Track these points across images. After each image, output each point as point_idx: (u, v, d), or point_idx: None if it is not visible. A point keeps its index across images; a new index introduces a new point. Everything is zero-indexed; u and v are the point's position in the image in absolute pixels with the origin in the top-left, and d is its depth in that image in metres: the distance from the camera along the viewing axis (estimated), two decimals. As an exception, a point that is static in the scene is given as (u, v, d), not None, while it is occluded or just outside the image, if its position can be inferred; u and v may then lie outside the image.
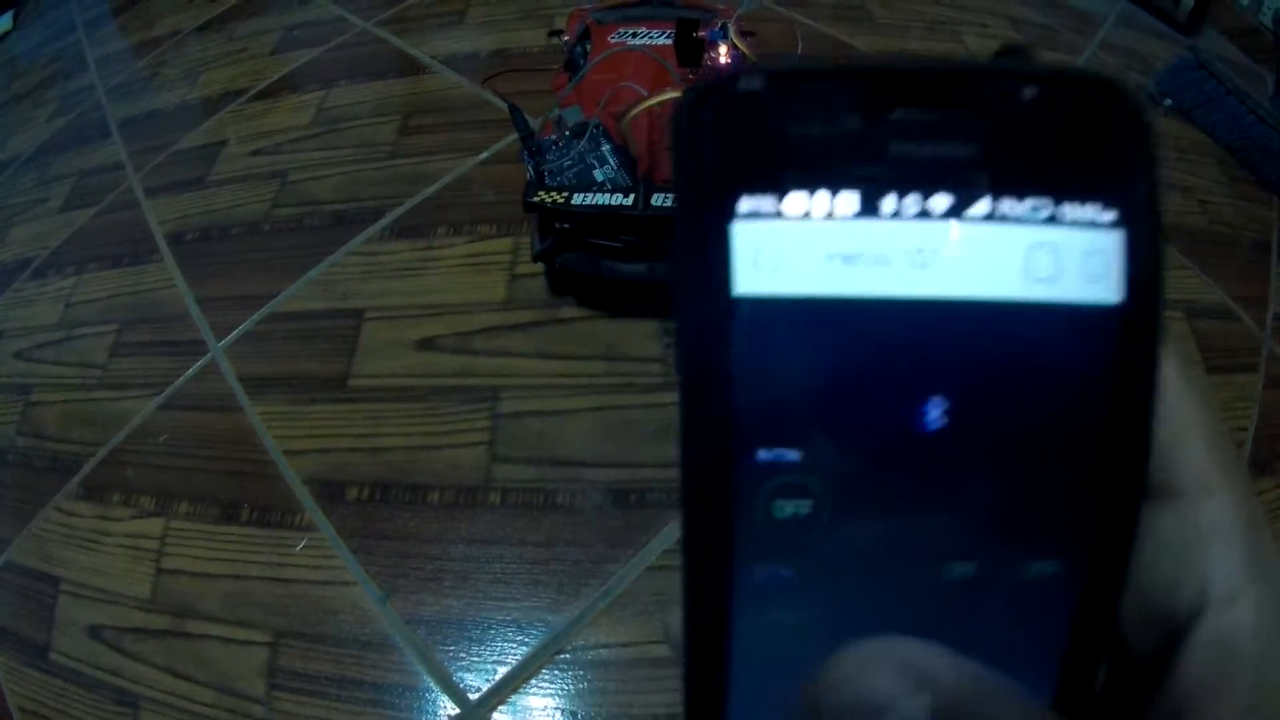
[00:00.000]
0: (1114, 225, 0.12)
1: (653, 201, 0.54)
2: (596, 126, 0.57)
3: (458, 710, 0.50)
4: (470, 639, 0.52)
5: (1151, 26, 1.07)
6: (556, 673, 0.51)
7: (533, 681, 0.51)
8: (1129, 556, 0.13)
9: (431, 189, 0.77)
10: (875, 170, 0.12)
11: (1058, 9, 1.06)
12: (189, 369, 0.69)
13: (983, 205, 0.12)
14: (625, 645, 0.51)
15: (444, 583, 0.54)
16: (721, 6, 0.68)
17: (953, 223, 0.12)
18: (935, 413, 0.12)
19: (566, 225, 0.57)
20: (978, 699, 0.12)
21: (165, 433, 0.66)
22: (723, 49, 0.60)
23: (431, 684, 0.51)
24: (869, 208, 0.12)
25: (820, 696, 0.12)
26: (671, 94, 0.56)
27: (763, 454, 0.12)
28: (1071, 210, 0.12)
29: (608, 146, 0.57)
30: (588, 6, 0.71)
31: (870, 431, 0.12)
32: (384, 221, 0.75)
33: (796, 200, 0.12)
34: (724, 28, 0.60)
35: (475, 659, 0.52)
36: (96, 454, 0.67)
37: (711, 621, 0.13)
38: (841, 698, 0.12)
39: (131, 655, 0.57)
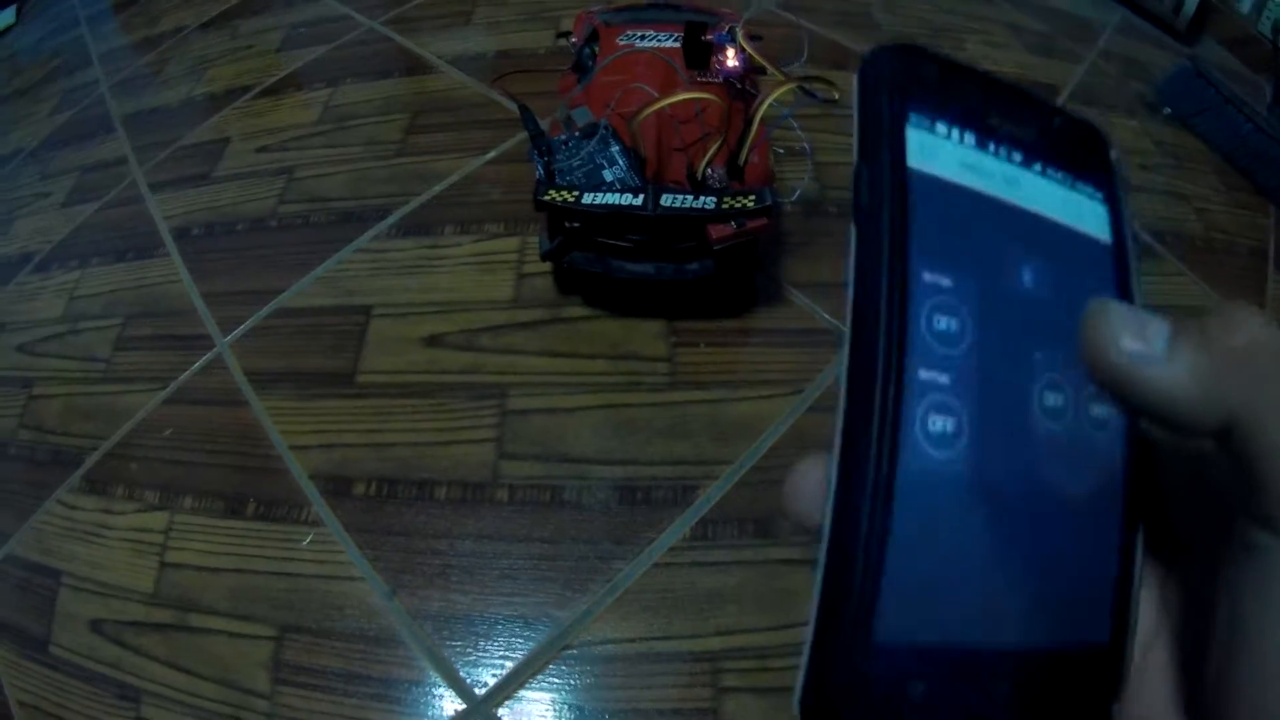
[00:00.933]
0: (1101, 201, 0.20)
1: (662, 202, 0.54)
2: (606, 127, 0.57)
3: (464, 705, 0.50)
4: (477, 634, 0.52)
5: (1151, 35, 1.08)
6: (563, 668, 0.51)
7: (539, 676, 0.51)
8: None
9: (439, 187, 0.77)
10: (984, 125, 0.19)
11: (1058, 16, 1.07)
12: (195, 363, 0.69)
13: (1038, 165, 0.19)
14: (631, 640, 0.52)
15: (450, 578, 0.54)
16: (728, 10, 0.68)
17: (1024, 169, 0.19)
18: (1026, 271, 0.18)
19: (575, 224, 0.58)
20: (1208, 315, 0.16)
21: (170, 427, 0.66)
22: (730, 52, 0.60)
23: (438, 679, 0.51)
24: (981, 144, 0.19)
25: (1088, 341, 0.16)
26: (683, 96, 0.56)
27: (926, 275, 0.17)
28: (1080, 184, 0.20)
29: (617, 147, 0.57)
30: (595, 9, 0.71)
31: (988, 271, 0.18)
32: (391, 219, 0.75)
33: (943, 127, 0.18)
34: (731, 31, 0.61)
35: (482, 654, 0.52)
36: (100, 447, 0.67)
37: (880, 429, 0.16)
38: (1096, 332, 0.16)
39: (133, 649, 0.57)
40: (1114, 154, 0.21)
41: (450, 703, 0.51)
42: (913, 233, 0.17)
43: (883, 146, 0.17)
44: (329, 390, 0.64)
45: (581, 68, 0.67)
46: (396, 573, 0.55)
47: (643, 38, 0.65)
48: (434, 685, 0.51)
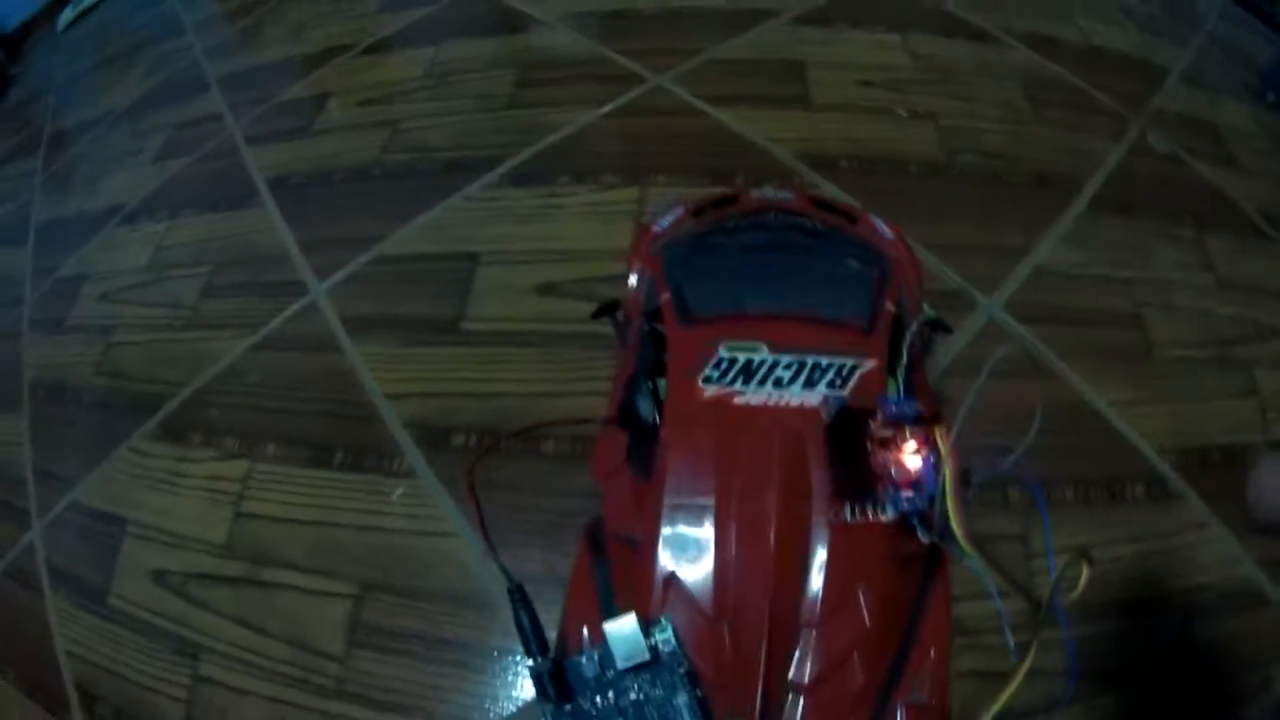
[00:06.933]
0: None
1: None
2: (674, 654, 0.33)
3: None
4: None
5: (1252, 22, 1.04)
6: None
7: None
8: None
9: (553, 137, 0.74)
10: None
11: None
12: (287, 310, 0.66)
13: None
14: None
15: (554, 538, 0.50)
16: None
17: None
18: None
19: None
20: None
21: (256, 373, 0.62)
22: (911, 445, 0.32)
23: (532, 648, 0.46)
24: None
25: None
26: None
27: None
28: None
29: (684, 697, 0.32)
30: (653, 226, 0.49)
31: None
32: (502, 168, 0.72)
33: None
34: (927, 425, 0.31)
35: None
36: (179, 394, 0.64)
37: None
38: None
39: (198, 603, 0.53)
40: None
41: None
42: None
43: None
44: (430, 337, 0.61)
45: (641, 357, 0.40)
46: (496, 530, 0.50)
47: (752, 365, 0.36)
48: (522, 654, 0.46)
